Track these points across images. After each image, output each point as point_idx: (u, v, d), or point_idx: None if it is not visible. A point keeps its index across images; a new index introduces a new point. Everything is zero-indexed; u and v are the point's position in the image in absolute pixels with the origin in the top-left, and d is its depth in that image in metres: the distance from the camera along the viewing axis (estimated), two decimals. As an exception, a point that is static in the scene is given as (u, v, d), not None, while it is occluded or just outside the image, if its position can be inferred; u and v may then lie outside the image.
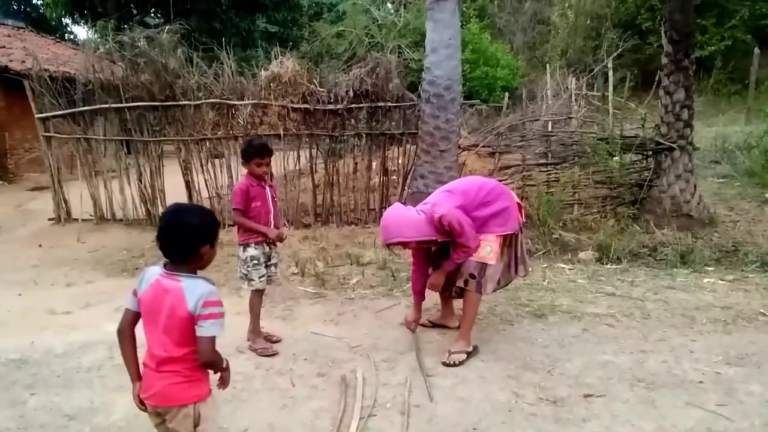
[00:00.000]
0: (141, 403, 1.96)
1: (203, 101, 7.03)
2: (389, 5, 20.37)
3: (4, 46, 13.10)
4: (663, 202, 6.57)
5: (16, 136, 12.25)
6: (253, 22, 20.55)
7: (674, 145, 6.54)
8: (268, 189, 3.72)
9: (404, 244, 3.50)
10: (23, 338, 3.95)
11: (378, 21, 17.38)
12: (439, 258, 3.61)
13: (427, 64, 6.55)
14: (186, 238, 1.86)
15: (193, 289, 1.82)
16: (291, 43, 17.77)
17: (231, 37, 17.54)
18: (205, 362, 1.87)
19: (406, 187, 7.34)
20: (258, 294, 3.75)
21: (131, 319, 1.94)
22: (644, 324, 4.06)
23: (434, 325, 4.04)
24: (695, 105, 6.84)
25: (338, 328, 4.10)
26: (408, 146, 7.35)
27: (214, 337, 1.84)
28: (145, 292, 1.88)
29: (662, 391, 3.10)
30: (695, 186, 6.62)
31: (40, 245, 6.79)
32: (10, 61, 11.88)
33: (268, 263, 3.74)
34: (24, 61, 11.60)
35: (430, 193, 3.77)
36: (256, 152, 3.61)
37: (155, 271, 1.90)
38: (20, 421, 2.91)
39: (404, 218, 3.40)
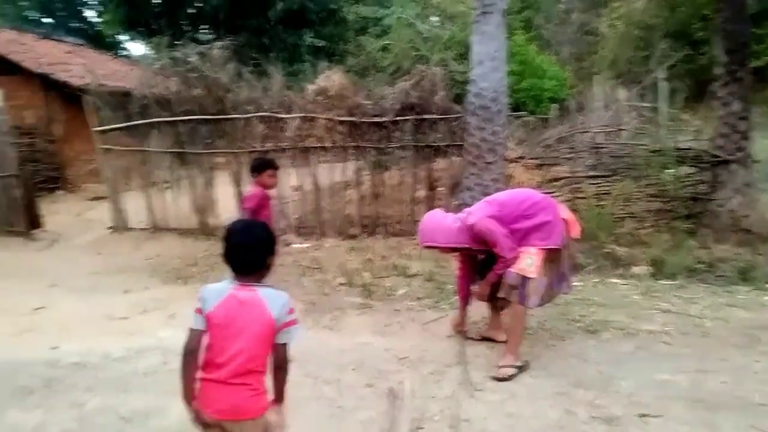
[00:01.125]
0: (198, 420, 1.94)
1: (252, 115, 7.22)
2: (434, 19, 20.43)
3: (64, 63, 13.67)
4: (721, 216, 6.32)
5: (75, 147, 12.74)
6: (300, 37, 20.93)
7: (731, 158, 6.31)
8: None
9: (438, 248, 3.64)
10: (83, 342, 4.11)
11: (423, 34, 17.44)
12: (485, 268, 3.61)
13: (473, 77, 6.52)
14: (259, 251, 1.96)
15: (273, 298, 1.90)
16: (337, 57, 18.11)
17: (279, 52, 17.94)
18: (282, 366, 1.97)
19: (451, 200, 7.31)
20: None
21: (200, 338, 1.93)
22: (703, 342, 3.90)
23: (483, 338, 3.99)
24: (752, 116, 6.59)
25: (385, 339, 4.10)
26: (454, 158, 7.33)
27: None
28: (216, 308, 1.89)
29: (724, 413, 2.96)
30: (755, 200, 6.36)
31: (99, 253, 7.05)
32: (70, 76, 12.40)
33: None
34: (83, 77, 12.04)
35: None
36: (270, 164, 4.15)
37: (223, 287, 1.93)
38: (80, 422, 3.03)
39: (439, 224, 3.55)
